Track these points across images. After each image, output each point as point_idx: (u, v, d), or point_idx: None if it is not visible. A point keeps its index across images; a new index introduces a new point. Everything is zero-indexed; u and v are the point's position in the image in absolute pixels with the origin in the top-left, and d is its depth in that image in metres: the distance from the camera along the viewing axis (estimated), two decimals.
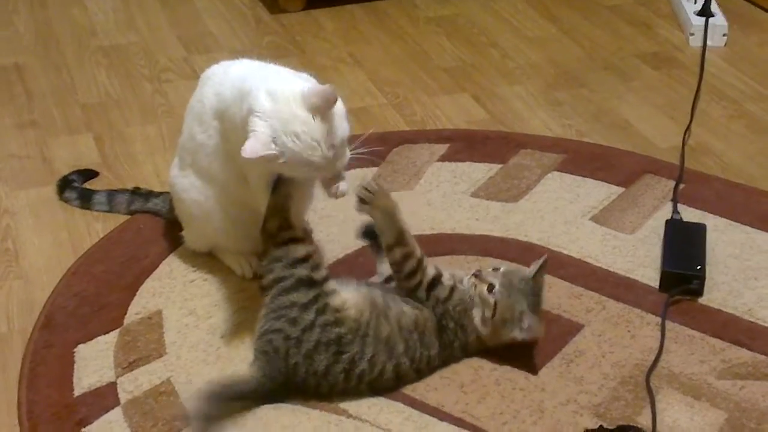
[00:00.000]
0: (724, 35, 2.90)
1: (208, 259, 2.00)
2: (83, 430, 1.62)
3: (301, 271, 1.66)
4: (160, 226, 2.10)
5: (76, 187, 2.21)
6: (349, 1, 3.15)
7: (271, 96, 1.62)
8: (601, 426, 1.57)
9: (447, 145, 2.39)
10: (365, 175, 2.26)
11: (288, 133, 1.60)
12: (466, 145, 2.40)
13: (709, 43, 2.87)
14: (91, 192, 2.19)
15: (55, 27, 3.01)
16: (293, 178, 1.71)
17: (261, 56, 1.80)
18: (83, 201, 2.18)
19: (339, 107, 1.67)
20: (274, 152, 1.60)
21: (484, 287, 1.72)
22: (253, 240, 1.81)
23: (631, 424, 1.59)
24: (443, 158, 2.34)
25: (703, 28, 2.89)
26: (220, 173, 1.84)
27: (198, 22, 3.03)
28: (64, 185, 2.22)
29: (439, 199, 2.20)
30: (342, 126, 1.67)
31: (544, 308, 1.82)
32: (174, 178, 1.94)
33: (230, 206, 1.87)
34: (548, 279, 1.94)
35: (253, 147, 1.60)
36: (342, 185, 1.74)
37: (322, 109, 1.62)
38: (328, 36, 2.98)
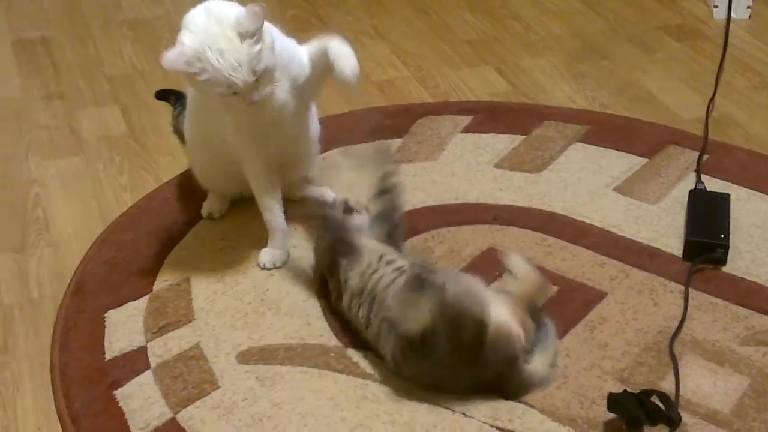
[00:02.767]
0: (748, 8, 2.89)
1: (235, 228, 2.03)
2: (115, 392, 1.65)
3: None
4: (188, 195, 2.12)
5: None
6: None
7: (206, 12, 1.70)
8: (625, 390, 1.58)
9: (470, 117, 2.40)
10: (389, 146, 2.29)
11: (214, 49, 1.66)
12: (489, 116, 2.41)
13: (733, 15, 2.86)
14: None
15: (80, 0, 3.03)
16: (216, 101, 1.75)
17: (284, 29, 1.82)
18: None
19: (269, 39, 1.71)
20: (195, 70, 1.66)
21: None
22: (225, 183, 1.99)
23: (655, 389, 1.60)
24: (467, 129, 2.36)
25: (727, 0, 2.87)
26: (198, 116, 1.93)
27: None
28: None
29: (462, 169, 2.21)
30: (269, 56, 1.70)
31: (570, 276, 1.86)
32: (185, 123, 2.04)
33: (208, 148, 1.94)
34: (571, 248, 1.97)
35: (172, 57, 1.67)
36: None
37: (251, 31, 1.67)
38: (351, 9, 2.98)
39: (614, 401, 1.58)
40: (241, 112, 1.77)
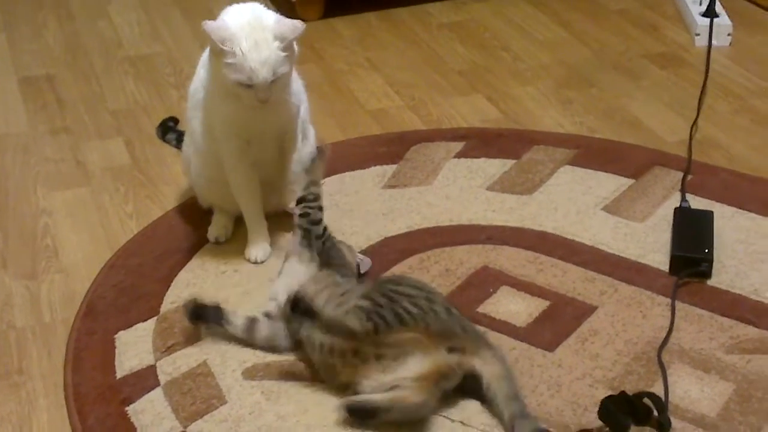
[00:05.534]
0: (728, 35, 2.99)
1: (237, 252, 2.10)
2: (127, 408, 1.72)
3: None
4: (191, 222, 2.20)
5: (177, 130, 2.48)
6: (365, 9, 3.26)
7: (251, 9, 1.90)
8: (623, 392, 1.64)
9: (462, 143, 2.49)
10: (384, 172, 2.37)
11: (250, 39, 1.82)
12: (480, 142, 2.50)
13: (714, 42, 2.96)
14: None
15: (83, 39, 3.13)
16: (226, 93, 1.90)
17: None
18: (179, 141, 2.39)
19: (294, 53, 1.91)
20: (228, 48, 1.82)
21: None
22: (227, 195, 2.08)
23: (647, 390, 1.66)
24: (459, 155, 2.44)
25: (708, 28, 2.98)
26: (202, 136, 2.05)
27: None
28: (166, 129, 2.52)
29: (456, 193, 2.30)
30: (290, 65, 1.89)
31: (562, 292, 1.94)
32: (184, 145, 2.19)
33: (212, 167, 2.07)
34: (562, 265, 2.05)
35: (214, 26, 1.85)
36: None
37: (286, 38, 1.85)
38: (345, 42, 3.08)
39: (606, 410, 1.64)
40: (240, 108, 1.90)
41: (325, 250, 1.87)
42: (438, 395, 1.65)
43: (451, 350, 1.66)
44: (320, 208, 1.90)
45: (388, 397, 1.62)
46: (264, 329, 1.81)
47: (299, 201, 1.91)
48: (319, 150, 1.96)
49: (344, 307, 1.68)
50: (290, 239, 2.01)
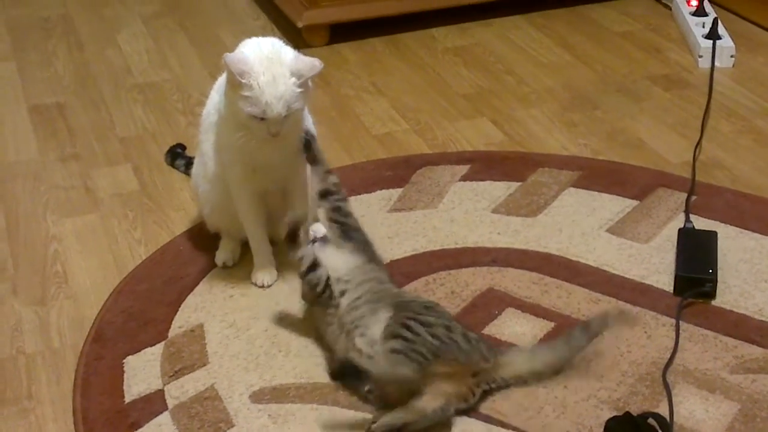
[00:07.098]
0: (731, 56, 3.01)
1: (245, 277, 2.12)
2: None
3: None
4: (199, 247, 2.22)
5: (185, 156, 2.51)
6: (371, 35, 3.29)
7: (271, 44, 1.91)
8: (627, 412, 1.66)
9: (468, 166, 2.51)
10: (390, 195, 2.39)
11: (268, 73, 1.84)
12: (485, 165, 2.52)
13: (717, 64, 2.98)
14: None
15: (92, 68, 3.17)
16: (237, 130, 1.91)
17: None
18: (187, 167, 2.41)
19: (309, 90, 1.92)
20: (246, 82, 1.83)
21: None
22: (235, 221, 2.09)
23: (652, 411, 1.68)
24: (464, 178, 2.46)
25: (711, 50, 3.00)
26: (213, 160, 2.07)
27: None
28: (174, 155, 2.55)
29: (461, 215, 2.32)
30: (303, 102, 1.91)
31: (567, 313, 1.95)
32: (194, 169, 2.21)
33: (220, 192, 2.08)
34: (567, 287, 2.06)
35: (235, 59, 1.86)
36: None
37: (302, 75, 1.87)
38: (351, 68, 3.11)
39: (611, 431, 1.66)
40: (250, 139, 1.92)
41: (358, 240, 1.89)
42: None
43: (475, 375, 1.71)
44: (345, 198, 1.92)
45: (401, 414, 1.66)
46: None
47: (324, 194, 1.93)
48: (309, 135, 1.98)
49: (385, 345, 1.71)
50: (314, 228, 2.04)
